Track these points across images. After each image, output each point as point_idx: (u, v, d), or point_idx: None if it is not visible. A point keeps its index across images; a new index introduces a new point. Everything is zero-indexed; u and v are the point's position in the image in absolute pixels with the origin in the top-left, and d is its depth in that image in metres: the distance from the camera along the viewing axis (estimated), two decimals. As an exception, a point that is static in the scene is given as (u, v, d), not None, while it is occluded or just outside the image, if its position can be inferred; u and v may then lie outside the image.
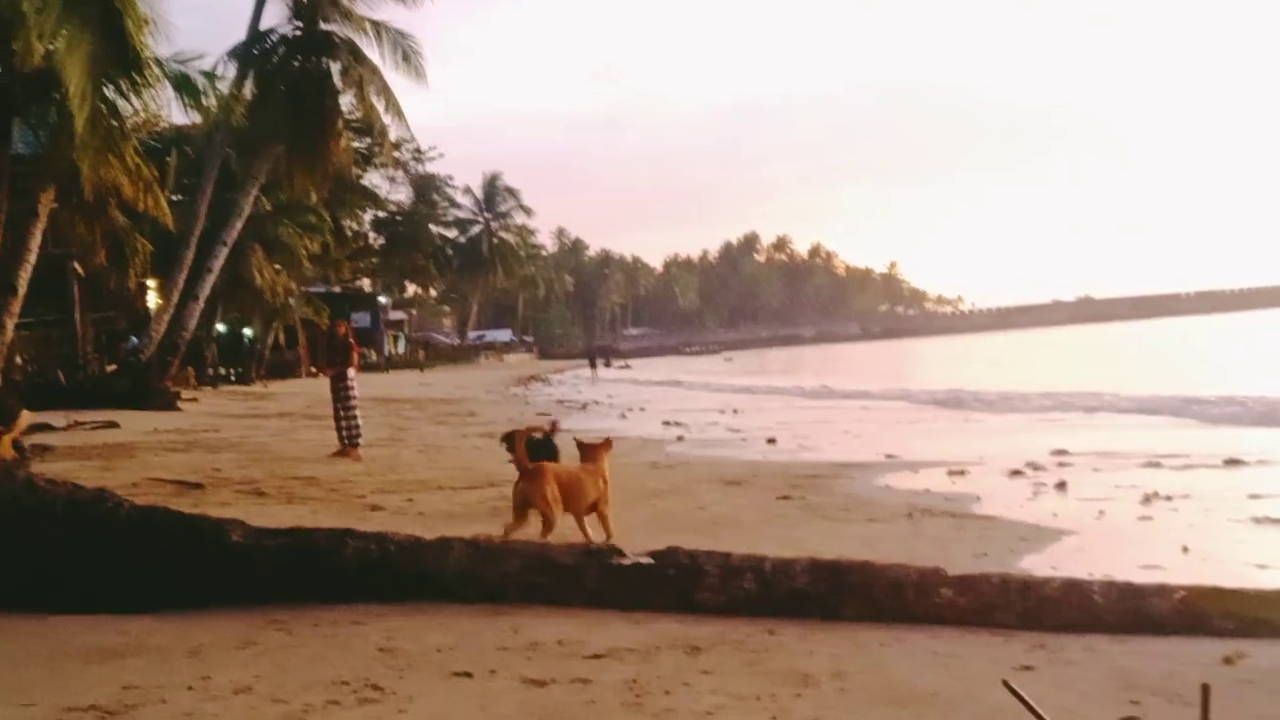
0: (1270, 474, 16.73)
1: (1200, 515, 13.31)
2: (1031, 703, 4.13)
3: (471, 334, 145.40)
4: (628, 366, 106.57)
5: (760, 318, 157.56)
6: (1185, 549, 11.23)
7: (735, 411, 38.11)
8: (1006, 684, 4.41)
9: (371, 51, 43.27)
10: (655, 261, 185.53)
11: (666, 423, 33.20)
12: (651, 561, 8.88)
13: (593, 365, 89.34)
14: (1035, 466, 18.05)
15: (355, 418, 22.61)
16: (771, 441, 25.50)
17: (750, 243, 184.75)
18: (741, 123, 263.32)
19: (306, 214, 63.46)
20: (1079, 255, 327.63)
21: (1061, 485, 16.05)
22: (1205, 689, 3.89)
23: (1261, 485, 15.27)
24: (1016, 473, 17.49)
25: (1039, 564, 10.89)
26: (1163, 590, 8.47)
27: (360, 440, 22.56)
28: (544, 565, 8.99)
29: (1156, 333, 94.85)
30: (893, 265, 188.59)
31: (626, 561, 8.89)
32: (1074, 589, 8.60)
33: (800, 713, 6.34)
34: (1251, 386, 32.84)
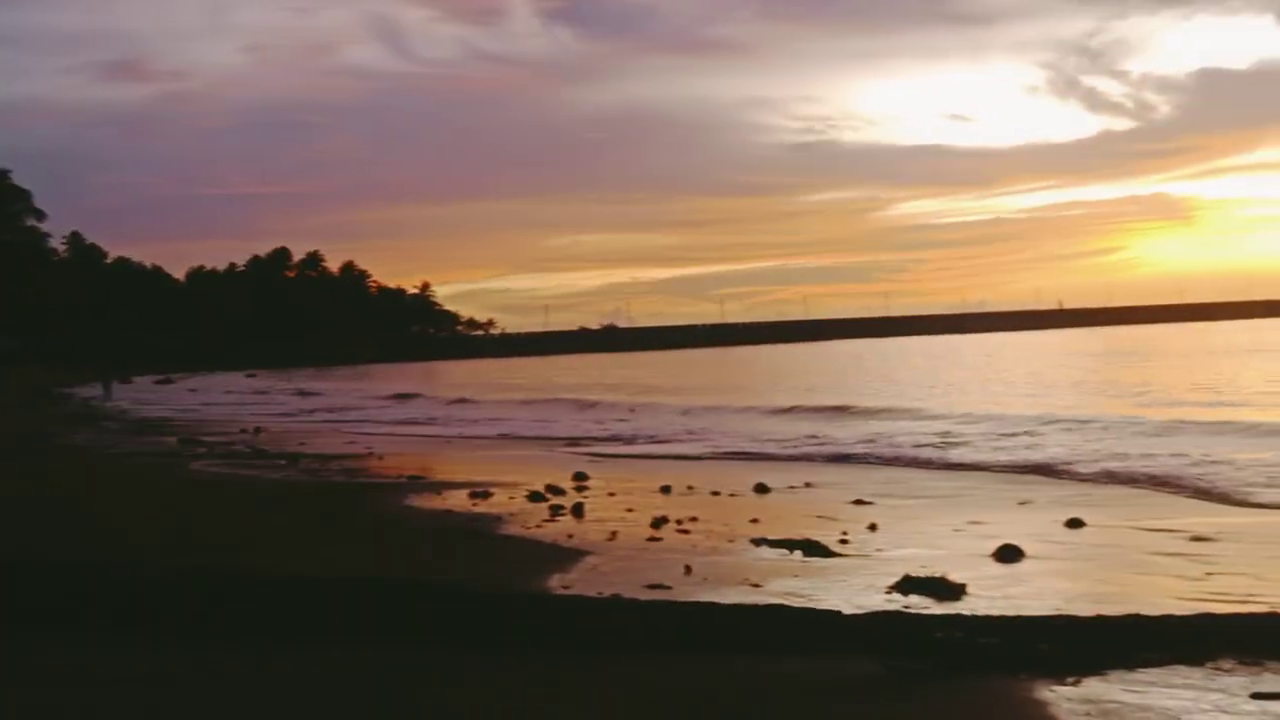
0: (772, 500, 17.88)
1: (704, 538, 14.11)
2: None
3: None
4: (170, 381, 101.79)
5: (291, 336, 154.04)
6: (688, 569, 11.89)
7: (258, 431, 37.18)
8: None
9: None
10: (179, 272, 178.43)
11: (185, 440, 32.03)
12: (179, 579, 8.61)
13: (105, 381, 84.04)
14: (555, 490, 18.58)
15: None
16: (293, 461, 25.10)
17: (280, 258, 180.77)
18: (275, 133, 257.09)
19: None
20: (615, 284, 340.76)
21: (579, 508, 16.62)
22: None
23: (761, 510, 16.33)
24: (536, 496, 17.95)
25: (556, 583, 11.29)
26: (670, 607, 8.99)
27: None
28: (48, 583, 8.53)
29: (677, 363, 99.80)
30: (425, 286, 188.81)
31: (152, 578, 8.57)
32: (587, 606, 8.99)
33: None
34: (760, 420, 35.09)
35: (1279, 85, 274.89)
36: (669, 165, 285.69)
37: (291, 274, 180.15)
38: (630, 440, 31.22)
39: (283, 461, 25.28)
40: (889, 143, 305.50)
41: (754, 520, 15.26)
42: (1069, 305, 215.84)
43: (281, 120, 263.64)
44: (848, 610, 9.00)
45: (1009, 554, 12.30)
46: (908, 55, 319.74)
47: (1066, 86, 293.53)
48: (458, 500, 17.95)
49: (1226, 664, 7.69)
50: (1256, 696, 7.04)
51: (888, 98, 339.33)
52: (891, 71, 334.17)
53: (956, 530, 14.27)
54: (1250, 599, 9.72)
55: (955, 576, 10.72)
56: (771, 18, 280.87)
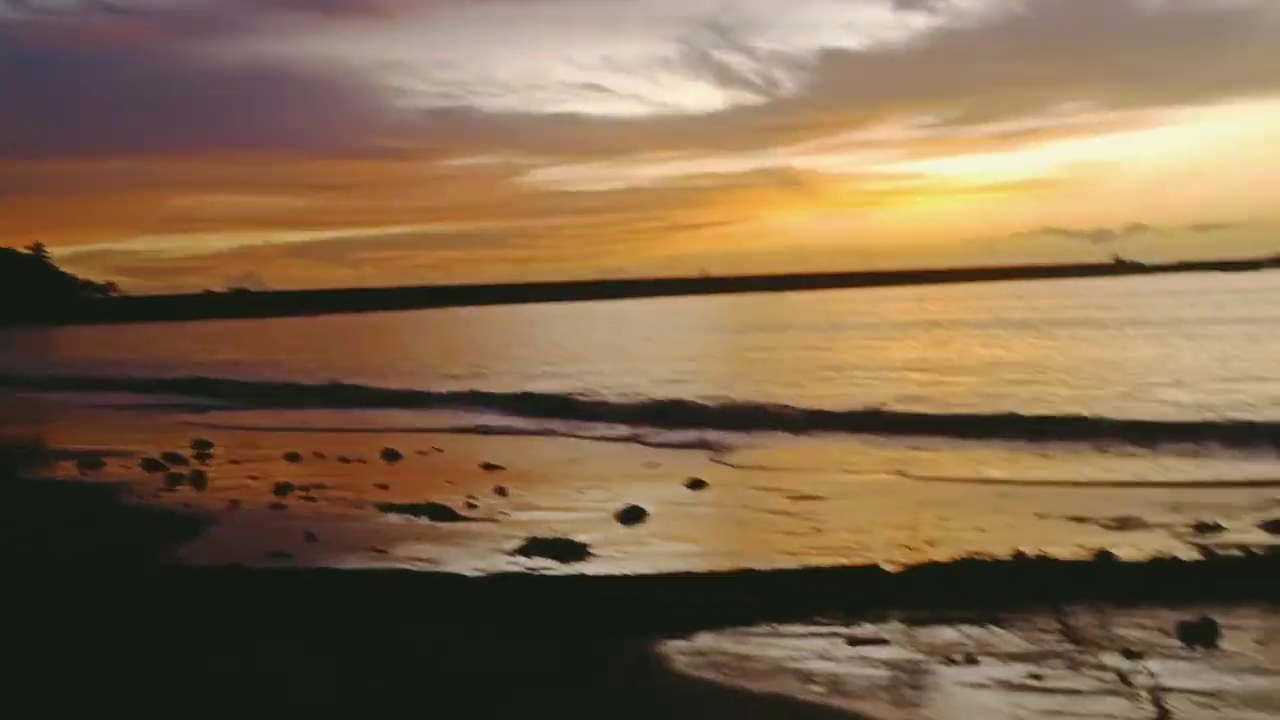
0: (402, 466, 17.71)
1: (330, 504, 13.88)
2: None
3: None
4: None
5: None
6: (311, 536, 11.66)
7: None
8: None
9: None
10: None
11: None
12: None
13: None
14: (173, 458, 17.87)
15: None
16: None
17: None
18: None
19: None
20: (246, 247, 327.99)
21: (199, 477, 16.06)
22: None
23: (390, 476, 16.20)
24: (153, 464, 17.21)
25: (173, 554, 10.88)
26: (290, 575, 8.79)
27: None
28: None
29: (311, 330, 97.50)
30: (37, 246, 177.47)
31: None
32: (204, 576, 8.69)
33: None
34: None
35: (895, 66, 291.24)
36: (303, 126, 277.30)
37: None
38: (260, 408, 30.27)
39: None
40: (526, 110, 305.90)
41: (383, 486, 15.14)
42: (712, 273, 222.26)
43: None
44: (470, 573, 9.03)
45: (632, 515, 12.56)
46: (545, 23, 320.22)
47: (699, 61, 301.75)
48: (66, 470, 17.06)
49: (829, 614, 8.10)
50: (854, 643, 7.45)
51: (525, 65, 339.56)
52: (529, 39, 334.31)
53: (582, 493, 14.49)
54: (850, 552, 10.27)
55: (579, 538, 10.93)
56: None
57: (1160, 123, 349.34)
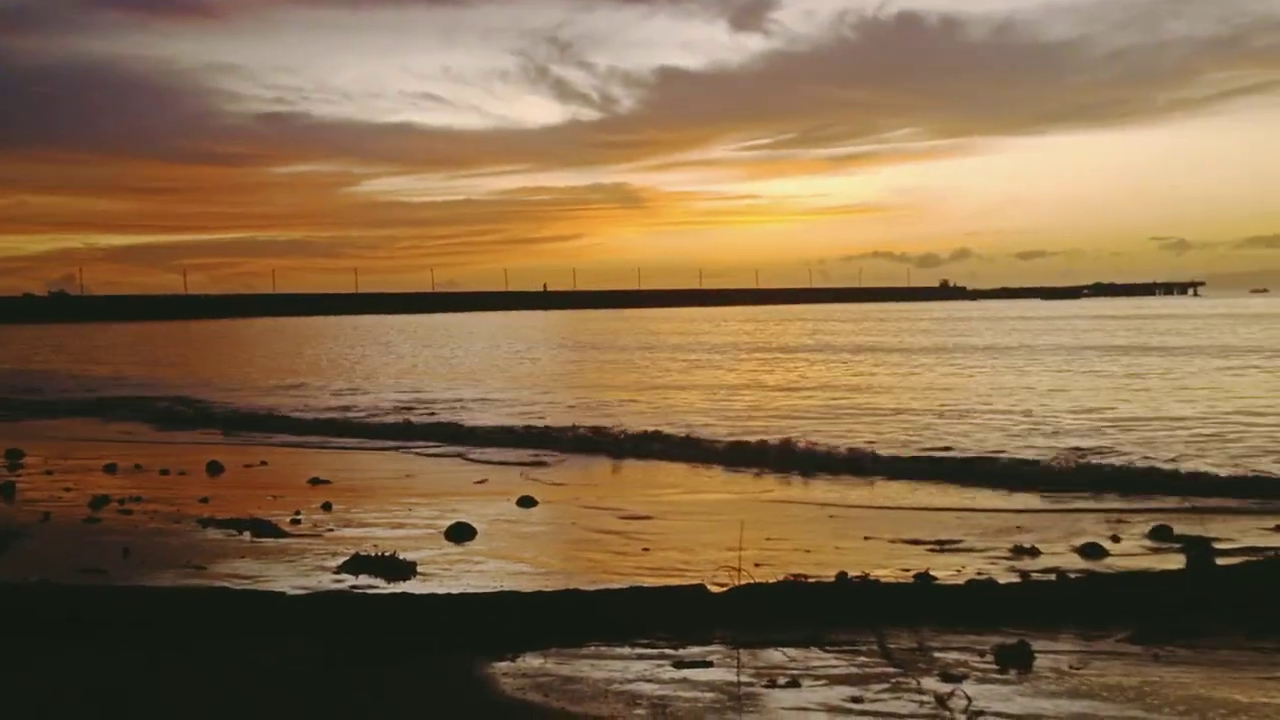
0: (225, 479, 17.31)
1: (147, 519, 13.49)
2: None
3: None
4: None
5: None
6: (127, 551, 11.31)
7: None
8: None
9: None
10: None
11: None
12: None
13: None
14: (-15, 468, 17.26)
15: None
16: None
17: None
18: None
19: None
20: (66, 249, 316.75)
21: (9, 488, 15.52)
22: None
23: (213, 489, 15.83)
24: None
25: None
26: (102, 591, 8.48)
27: None
28: None
29: (137, 337, 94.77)
30: None
31: None
32: (11, 592, 8.35)
33: None
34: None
35: (730, 88, 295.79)
36: (128, 127, 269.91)
37: None
38: (78, 416, 29.30)
39: None
40: (362, 119, 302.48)
41: (204, 499, 14.77)
42: (550, 288, 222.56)
43: None
44: (291, 591, 8.83)
45: (461, 532, 12.41)
46: (382, 30, 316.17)
47: (537, 74, 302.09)
48: None
49: (655, 635, 8.10)
50: (679, 665, 7.44)
51: (362, 73, 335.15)
52: (366, 47, 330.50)
53: (411, 509, 14.29)
54: (677, 573, 10.29)
55: (406, 555, 10.76)
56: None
57: (986, 151, 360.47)
